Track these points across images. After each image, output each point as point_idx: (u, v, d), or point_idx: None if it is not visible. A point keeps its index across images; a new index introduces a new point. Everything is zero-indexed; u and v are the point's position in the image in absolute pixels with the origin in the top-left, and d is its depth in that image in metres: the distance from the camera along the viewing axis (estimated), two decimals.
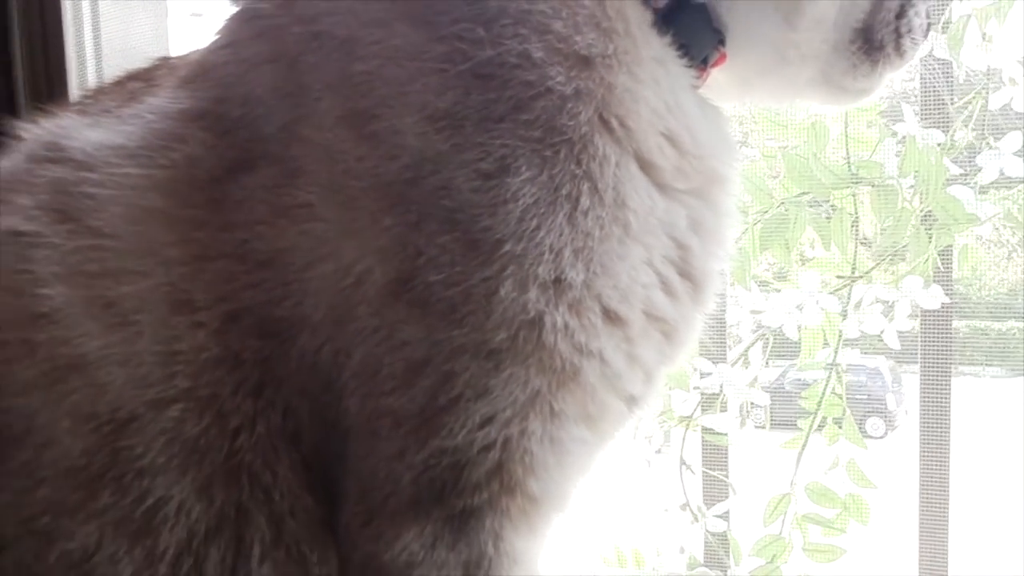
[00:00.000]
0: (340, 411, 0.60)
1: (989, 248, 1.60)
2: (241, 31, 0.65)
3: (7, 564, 0.58)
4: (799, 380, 1.40)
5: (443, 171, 0.57)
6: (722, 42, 0.67)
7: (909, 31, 0.68)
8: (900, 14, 0.68)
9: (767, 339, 1.39)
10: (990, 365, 1.62)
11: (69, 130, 0.65)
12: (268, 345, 0.59)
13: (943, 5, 1.21)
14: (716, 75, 0.68)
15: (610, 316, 0.60)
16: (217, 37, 0.66)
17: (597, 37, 0.59)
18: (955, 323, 1.55)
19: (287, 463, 0.60)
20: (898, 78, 1.17)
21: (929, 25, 0.70)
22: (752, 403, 1.37)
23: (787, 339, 1.33)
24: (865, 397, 1.81)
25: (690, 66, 0.65)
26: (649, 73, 0.61)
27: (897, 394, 1.82)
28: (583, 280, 0.58)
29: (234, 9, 0.66)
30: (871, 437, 1.84)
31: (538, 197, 0.57)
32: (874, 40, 0.68)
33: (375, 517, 0.60)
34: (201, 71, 0.65)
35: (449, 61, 0.58)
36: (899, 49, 0.68)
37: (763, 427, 1.37)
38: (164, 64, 0.70)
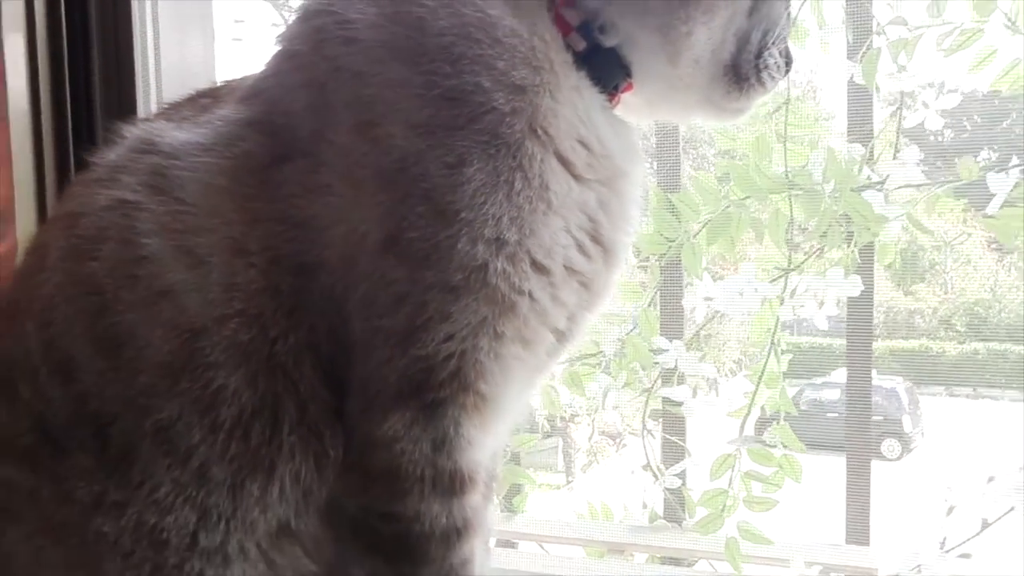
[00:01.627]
0: (347, 329, 0.77)
1: (1011, 271, 1.62)
2: (283, 64, 0.83)
3: (116, 431, 0.76)
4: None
5: (421, 163, 0.75)
6: (629, 74, 0.84)
7: (766, 67, 0.86)
8: (759, 55, 0.85)
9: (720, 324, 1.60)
10: (1009, 388, 1.62)
11: (160, 131, 0.83)
12: (299, 281, 0.76)
13: (864, 40, 1.44)
14: (628, 98, 0.86)
15: (537, 266, 0.77)
16: (265, 68, 0.84)
17: (528, 72, 0.77)
18: (974, 345, 1.63)
19: (309, 364, 0.77)
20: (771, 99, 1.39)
21: (787, 63, 0.88)
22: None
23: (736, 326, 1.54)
24: (881, 419, 1.73)
25: (602, 92, 0.82)
26: (567, 97, 0.79)
27: (913, 415, 1.80)
28: (516, 239, 0.76)
29: (278, 48, 0.83)
30: (886, 459, 1.80)
31: (485, 181, 0.74)
32: (741, 73, 0.85)
33: (370, 405, 0.77)
34: (255, 92, 0.83)
35: (426, 88, 0.75)
36: (760, 81, 0.86)
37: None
38: (227, 85, 0.89)
